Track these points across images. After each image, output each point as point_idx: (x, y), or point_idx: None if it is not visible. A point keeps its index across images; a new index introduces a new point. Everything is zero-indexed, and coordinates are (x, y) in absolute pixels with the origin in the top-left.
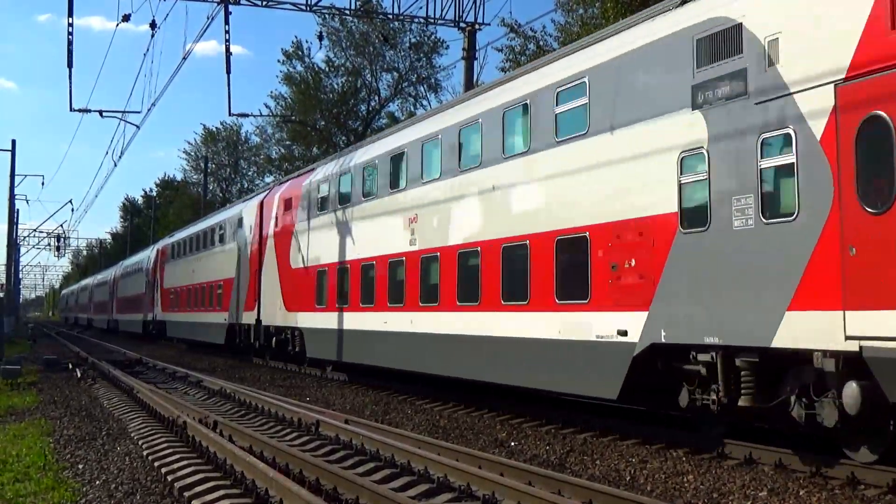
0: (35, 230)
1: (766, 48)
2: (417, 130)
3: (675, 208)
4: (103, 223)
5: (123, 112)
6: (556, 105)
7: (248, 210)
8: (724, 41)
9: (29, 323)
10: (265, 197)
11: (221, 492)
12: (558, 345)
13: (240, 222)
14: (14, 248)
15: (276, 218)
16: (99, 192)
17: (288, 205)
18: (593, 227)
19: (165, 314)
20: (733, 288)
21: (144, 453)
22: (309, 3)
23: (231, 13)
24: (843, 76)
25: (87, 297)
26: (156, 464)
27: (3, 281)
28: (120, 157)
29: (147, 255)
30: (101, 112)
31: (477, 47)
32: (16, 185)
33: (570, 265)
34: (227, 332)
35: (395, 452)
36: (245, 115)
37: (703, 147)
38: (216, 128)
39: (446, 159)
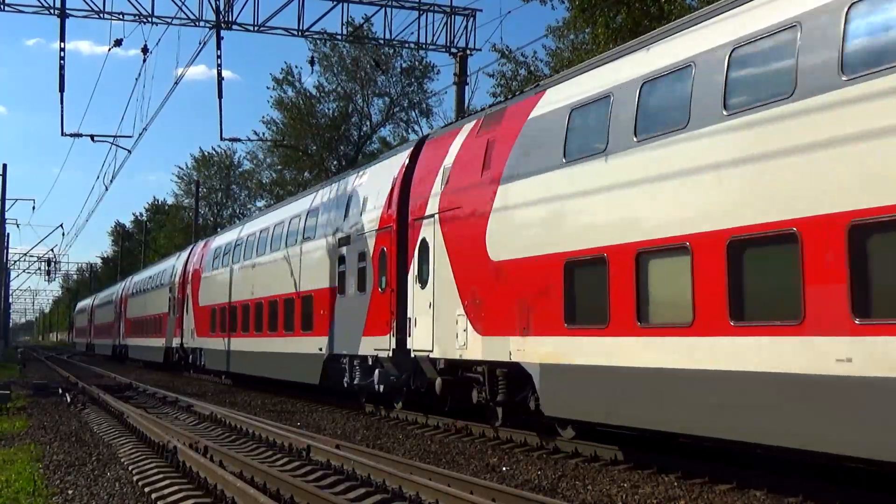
0: (26, 254)
1: (361, 207)
2: (247, 229)
3: (336, 283)
4: (94, 247)
5: (115, 136)
6: (304, 220)
7: (179, 260)
8: (352, 200)
9: (18, 347)
10: (190, 251)
11: None
12: (301, 356)
13: (173, 269)
14: (4, 273)
15: (193, 269)
16: (90, 216)
17: (200, 259)
18: (315, 290)
19: (127, 339)
20: (349, 324)
21: (135, 479)
22: (301, 27)
23: (223, 38)
24: (377, 227)
25: (70, 325)
26: (146, 489)
27: None
28: (111, 181)
29: (115, 291)
30: (92, 136)
31: (468, 72)
32: (6, 208)
33: (306, 311)
34: (164, 353)
35: (387, 478)
36: (237, 140)
37: (344, 254)
38: (208, 153)
39: (259, 247)
